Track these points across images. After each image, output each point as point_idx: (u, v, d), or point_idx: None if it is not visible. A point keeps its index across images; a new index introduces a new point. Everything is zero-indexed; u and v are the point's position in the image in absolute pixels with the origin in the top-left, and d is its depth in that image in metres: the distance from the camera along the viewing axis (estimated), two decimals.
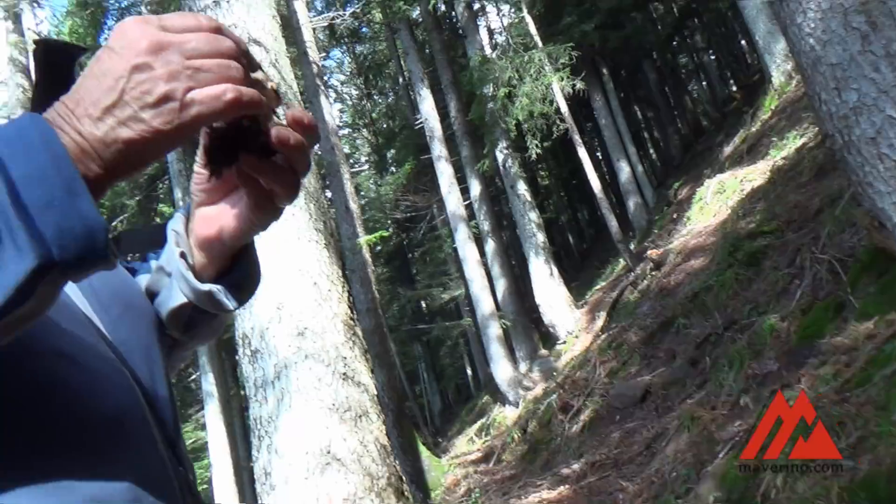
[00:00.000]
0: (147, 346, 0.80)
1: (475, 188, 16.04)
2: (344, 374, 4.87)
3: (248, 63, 0.61)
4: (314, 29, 10.57)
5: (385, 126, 22.00)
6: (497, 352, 14.68)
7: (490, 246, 15.90)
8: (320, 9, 17.59)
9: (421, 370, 27.93)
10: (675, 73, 23.81)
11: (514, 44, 14.23)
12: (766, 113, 11.59)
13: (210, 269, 0.81)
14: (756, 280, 6.19)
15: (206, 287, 0.80)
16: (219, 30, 0.59)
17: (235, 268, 0.83)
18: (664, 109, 22.09)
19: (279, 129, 0.65)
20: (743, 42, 24.48)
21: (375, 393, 5.15)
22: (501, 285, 15.80)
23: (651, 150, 27.01)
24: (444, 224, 18.00)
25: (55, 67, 0.74)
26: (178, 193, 14.58)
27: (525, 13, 14.21)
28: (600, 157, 25.12)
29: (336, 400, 4.76)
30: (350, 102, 25.10)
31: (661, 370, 6.65)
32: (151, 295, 0.88)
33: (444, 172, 15.59)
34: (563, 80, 13.27)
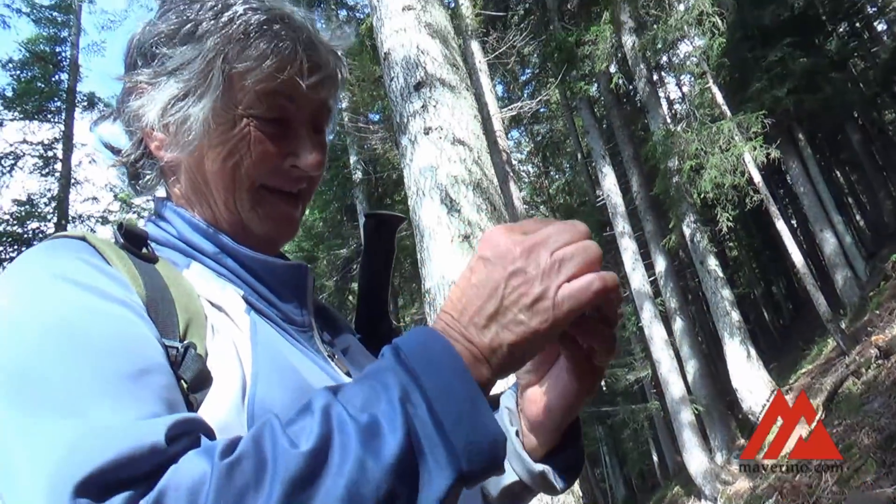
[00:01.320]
0: None
1: (660, 264, 15.39)
2: None
3: None
4: (502, 119, 10.97)
5: (562, 202, 22.04)
6: (690, 440, 13.61)
7: (678, 324, 15.06)
8: (500, 94, 18.27)
9: (602, 453, 26.65)
10: (882, 133, 21.65)
11: (699, 115, 13.75)
12: None
13: (539, 451, 0.81)
14: None
15: (540, 468, 0.80)
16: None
17: (566, 447, 0.82)
18: (872, 172, 20.02)
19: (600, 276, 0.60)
20: None
21: (581, 495, 4.92)
22: (692, 366, 14.81)
23: (857, 217, 24.49)
24: (628, 302, 17.42)
25: (381, 236, 0.88)
26: None
27: (711, 83, 13.73)
28: (795, 226, 23.23)
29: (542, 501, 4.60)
30: (527, 180, 25.63)
31: None
32: None
33: (628, 248, 15.17)
34: (755, 149, 12.53)
